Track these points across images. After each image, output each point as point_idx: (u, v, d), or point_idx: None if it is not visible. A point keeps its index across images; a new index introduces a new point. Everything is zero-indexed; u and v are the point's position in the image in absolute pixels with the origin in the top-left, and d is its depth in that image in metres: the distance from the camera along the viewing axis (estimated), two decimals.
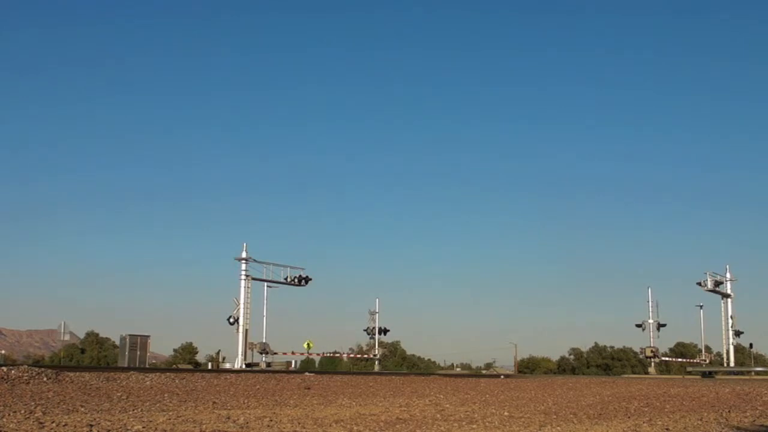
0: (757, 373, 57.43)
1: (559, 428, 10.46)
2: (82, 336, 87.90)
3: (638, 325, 62.70)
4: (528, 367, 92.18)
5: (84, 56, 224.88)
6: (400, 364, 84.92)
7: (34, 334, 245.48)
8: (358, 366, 73.33)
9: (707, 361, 66.58)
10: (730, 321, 60.10)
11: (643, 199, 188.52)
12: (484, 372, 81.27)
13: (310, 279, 51.57)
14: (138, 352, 41.80)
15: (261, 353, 48.92)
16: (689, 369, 62.93)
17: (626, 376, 61.70)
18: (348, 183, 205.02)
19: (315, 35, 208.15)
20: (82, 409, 11.05)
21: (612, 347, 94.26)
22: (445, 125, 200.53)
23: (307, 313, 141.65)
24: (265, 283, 49.62)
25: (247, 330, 47.02)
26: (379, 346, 64.51)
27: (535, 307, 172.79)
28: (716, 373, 54.83)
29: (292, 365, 55.55)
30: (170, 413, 10.82)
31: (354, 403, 14.24)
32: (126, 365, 38.43)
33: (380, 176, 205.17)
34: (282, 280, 50.41)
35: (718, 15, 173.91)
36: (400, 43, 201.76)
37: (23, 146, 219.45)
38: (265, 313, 50.10)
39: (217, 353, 63.23)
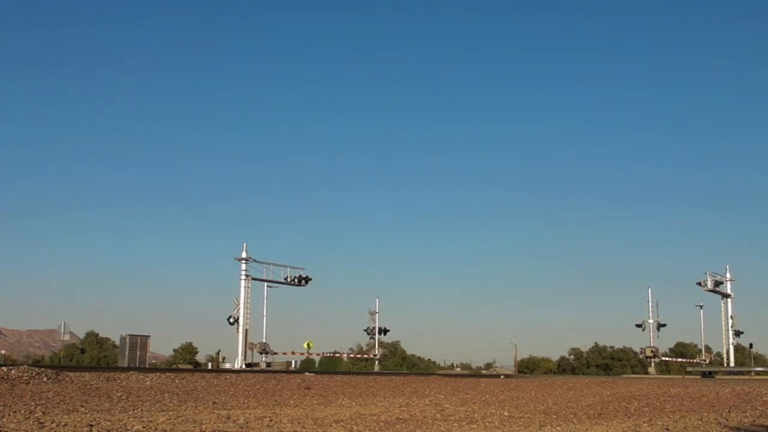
0: (757, 373, 57.41)
1: (559, 428, 10.46)
2: (82, 336, 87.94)
3: (638, 325, 62.71)
4: (528, 367, 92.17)
5: (84, 56, 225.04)
6: (400, 364, 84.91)
7: (34, 334, 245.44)
8: (358, 366, 73.32)
9: (707, 361, 66.55)
10: (730, 321, 60.08)
11: (643, 199, 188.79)
12: (484, 372, 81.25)
13: (310, 279, 51.59)
14: (138, 352, 41.78)
15: (261, 353, 48.91)
16: (689, 369, 62.92)
17: (626, 376, 61.70)
18: (348, 183, 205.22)
19: (315, 35, 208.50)
20: (82, 409, 11.05)
21: (612, 347, 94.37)
22: (445, 125, 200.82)
23: (307, 313, 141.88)
24: (265, 283, 49.64)
25: (247, 330, 47.00)
26: (379, 346, 64.52)
27: (535, 307, 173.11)
28: (716, 373, 54.81)
29: (292, 365, 55.53)
30: (170, 413, 10.82)
31: (354, 403, 14.24)
32: (126, 365, 38.42)
33: (380, 176, 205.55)
34: (282, 280, 50.40)
35: (718, 15, 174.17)
36: (400, 43, 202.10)
37: (23, 146, 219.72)
38: (265, 313, 50.15)
39: (217, 353, 63.25)
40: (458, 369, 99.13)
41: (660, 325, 61.98)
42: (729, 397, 19.37)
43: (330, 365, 70.85)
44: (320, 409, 12.62)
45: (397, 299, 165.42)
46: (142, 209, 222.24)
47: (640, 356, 70.47)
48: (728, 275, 60.53)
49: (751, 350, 67.75)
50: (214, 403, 13.31)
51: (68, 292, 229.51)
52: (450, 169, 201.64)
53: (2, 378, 16.14)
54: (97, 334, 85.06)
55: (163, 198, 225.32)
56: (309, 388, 18.83)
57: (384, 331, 63.05)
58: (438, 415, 11.93)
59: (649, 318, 61.88)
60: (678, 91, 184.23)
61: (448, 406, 14.25)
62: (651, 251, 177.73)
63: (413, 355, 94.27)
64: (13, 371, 17.04)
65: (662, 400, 17.80)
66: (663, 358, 69.32)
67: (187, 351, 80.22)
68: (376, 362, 63.59)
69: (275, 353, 51.02)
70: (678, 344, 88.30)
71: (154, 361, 66.70)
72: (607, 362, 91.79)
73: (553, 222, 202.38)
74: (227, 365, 48.70)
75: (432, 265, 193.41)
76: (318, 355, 60.77)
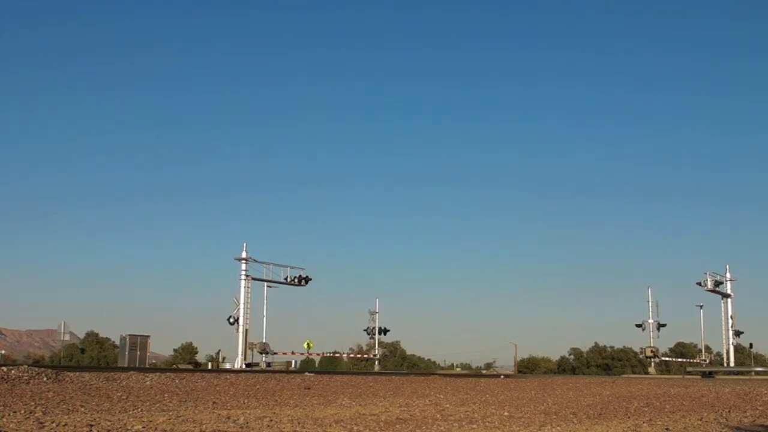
0: (757, 373, 57.39)
1: (559, 428, 10.46)
2: (82, 336, 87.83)
3: (638, 325, 62.74)
4: (528, 367, 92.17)
5: (84, 56, 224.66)
6: (400, 364, 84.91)
7: (34, 334, 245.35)
8: (358, 366, 73.32)
9: (707, 361, 66.57)
10: (730, 321, 60.10)
11: (643, 199, 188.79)
12: (484, 372, 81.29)
13: (310, 279, 51.57)
14: (138, 352, 41.75)
15: (261, 353, 48.89)
16: (689, 369, 62.95)
17: (626, 376, 61.67)
18: (348, 183, 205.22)
19: (315, 35, 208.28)
20: (82, 409, 11.05)
21: (612, 347, 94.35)
22: (446, 125, 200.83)
23: (307, 313, 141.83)
24: (265, 283, 49.62)
25: (247, 330, 47.00)
26: (379, 346, 64.52)
27: (535, 307, 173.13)
28: (716, 373, 54.83)
29: (292, 365, 55.51)
30: (170, 413, 10.82)
31: (354, 403, 14.24)
32: (126, 365, 38.39)
33: (380, 176, 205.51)
34: (282, 280, 50.39)
35: (718, 15, 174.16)
36: (400, 43, 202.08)
37: (23, 146, 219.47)
38: (265, 313, 50.14)
39: (217, 353, 63.18)
40: (458, 369, 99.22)
41: (660, 325, 62.02)
42: (729, 397, 19.37)
43: (330, 365, 70.84)
44: (320, 409, 12.62)
45: (397, 299, 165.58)
46: (142, 209, 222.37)
47: (640, 356, 70.51)
48: (728, 275, 60.57)
49: (751, 350, 67.77)
50: (214, 403, 13.31)
51: (68, 292, 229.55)
52: (449, 169, 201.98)
53: (2, 378, 16.14)
54: (97, 334, 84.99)
55: (163, 198, 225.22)
56: (309, 388, 18.83)
57: (384, 331, 63.04)
58: (438, 415, 11.93)
59: (649, 318, 61.95)
60: (678, 91, 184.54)
61: (448, 406, 14.25)
62: (651, 251, 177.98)
63: (413, 355, 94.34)
64: (13, 371, 17.04)
65: (662, 400, 17.80)
66: (663, 358, 69.36)
67: (187, 351, 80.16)
68: (376, 362, 63.58)
69: (275, 353, 51.04)
70: (678, 344, 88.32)
71: (154, 361, 66.67)
72: (607, 362, 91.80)
73: (553, 222, 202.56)
74: (227, 365, 48.68)
75: (432, 265, 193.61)
76: (318, 355, 60.68)
